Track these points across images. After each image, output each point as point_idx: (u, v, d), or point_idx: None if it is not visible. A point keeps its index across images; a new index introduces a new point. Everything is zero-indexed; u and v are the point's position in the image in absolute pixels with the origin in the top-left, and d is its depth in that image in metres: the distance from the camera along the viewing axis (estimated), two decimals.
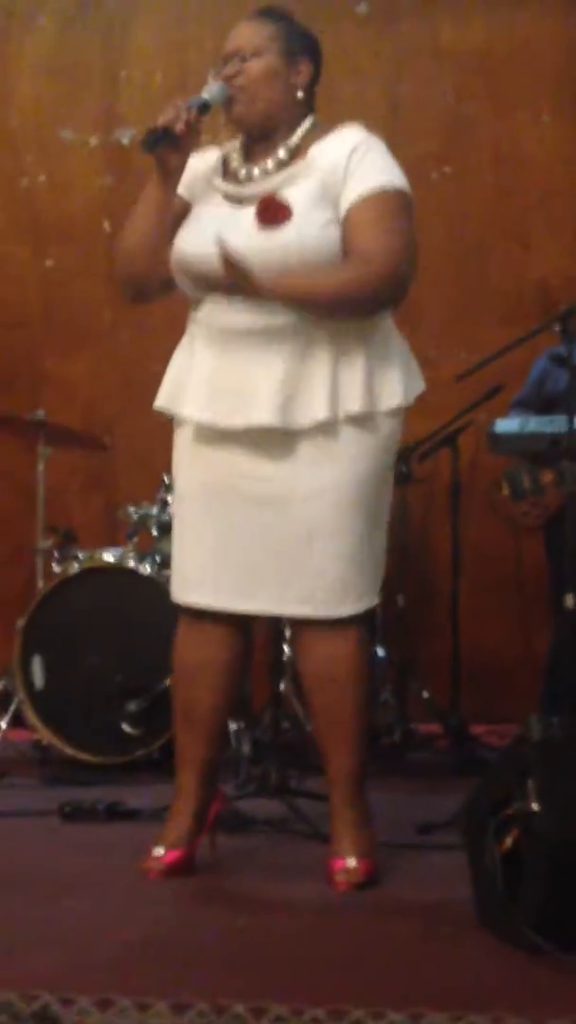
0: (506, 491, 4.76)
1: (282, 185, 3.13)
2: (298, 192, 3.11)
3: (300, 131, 3.21)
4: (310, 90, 3.26)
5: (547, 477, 4.64)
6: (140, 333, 5.78)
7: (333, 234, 3.10)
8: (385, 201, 3.12)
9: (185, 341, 3.28)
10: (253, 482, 3.14)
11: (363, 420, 3.13)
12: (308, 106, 3.26)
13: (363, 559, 3.17)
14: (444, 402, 5.16)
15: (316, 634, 3.17)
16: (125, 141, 5.92)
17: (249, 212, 3.12)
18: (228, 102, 3.18)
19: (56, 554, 4.88)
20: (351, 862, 3.13)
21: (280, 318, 3.09)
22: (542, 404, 4.78)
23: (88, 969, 2.51)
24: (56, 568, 4.85)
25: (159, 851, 3.21)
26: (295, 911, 2.95)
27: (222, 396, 3.14)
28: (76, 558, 4.82)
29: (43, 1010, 2.31)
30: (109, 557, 4.83)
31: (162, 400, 3.26)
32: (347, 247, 3.10)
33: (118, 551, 4.84)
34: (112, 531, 5.26)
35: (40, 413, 5.02)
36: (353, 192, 3.10)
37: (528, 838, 2.63)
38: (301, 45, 3.25)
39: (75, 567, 4.76)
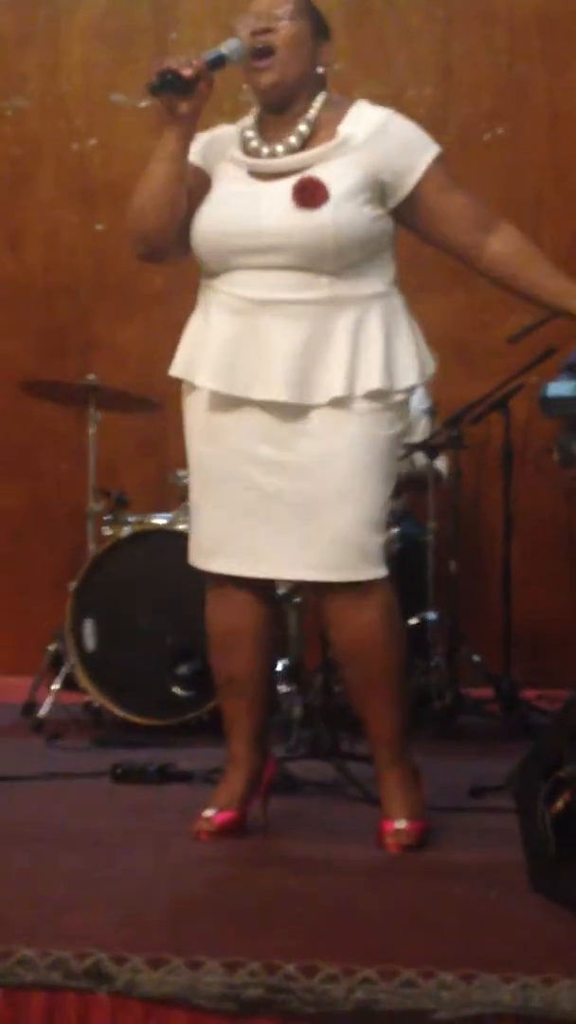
0: (556, 457, 4.74)
1: (315, 164, 3.10)
2: (332, 173, 3.08)
3: (317, 104, 3.17)
4: (328, 66, 3.23)
5: None
6: (192, 297, 5.77)
7: (368, 214, 3.10)
8: (444, 166, 3.17)
9: (199, 308, 3.25)
10: (269, 447, 3.12)
11: (378, 394, 3.12)
12: (322, 84, 3.21)
13: (379, 523, 3.16)
14: (497, 365, 5.15)
15: (343, 602, 3.15)
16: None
17: (280, 188, 3.09)
18: (259, 62, 3.10)
19: (107, 518, 4.90)
20: (401, 824, 3.13)
21: (310, 293, 3.08)
22: None
23: (140, 928, 2.53)
24: (107, 531, 4.87)
25: (209, 813, 3.23)
26: (346, 872, 2.96)
27: (239, 366, 3.12)
28: (127, 522, 4.83)
29: (95, 967, 2.33)
30: (160, 520, 4.84)
31: (178, 368, 3.23)
32: (452, 211, 3.14)
33: (169, 515, 4.85)
34: (163, 495, 5.26)
35: (92, 377, 5.03)
36: (414, 167, 3.12)
37: None
38: (322, 26, 3.21)
39: (126, 530, 4.78)
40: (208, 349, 3.16)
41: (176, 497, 4.90)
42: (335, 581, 3.12)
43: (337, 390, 3.08)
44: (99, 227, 5.97)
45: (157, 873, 2.95)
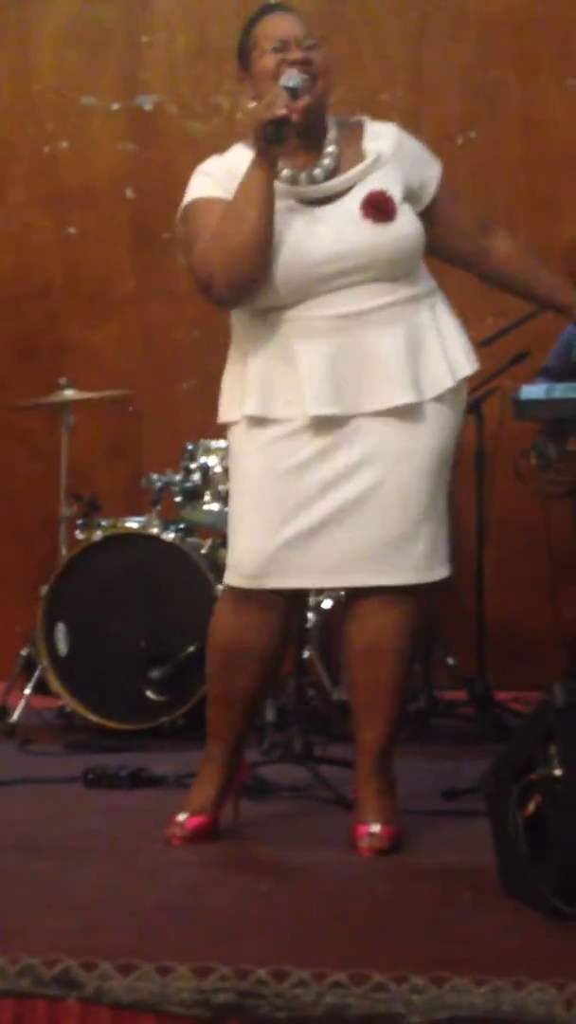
0: (533, 460, 4.75)
1: (360, 182, 3.15)
2: (383, 183, 3.15)
3: (331, 130, 3.22)
4: None
5: (573, 445, 4.62)
6: (164, 301, 5.78)
7: (420, 223, 3.21)
8: (447, 177, 3.33)
9: (249, 348, 3.19)
10: (347, 455, 3.12)
11: (464, 381, 3.26)
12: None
13: (444, 525, 3.23)
14: None
15: (376, 604, 3.16)
16: (148, 107, 5.90)
17: (343, 208, 3.12)
18: (305, 88, 3.09)
19: (79, 522, 4.89)
20: (375, 828, 3.13)
21: (389, 296, 3.15)
22: (570, 371, 4.76)
23: (110, 934, 2.52)
24: (79, 535, 4.85)
25: (182, 817, 3.22)
26: (318, 876, 2.95)
27: (347, 384, 3.11)
28: (99, 525, 4.82)
29: (65, 974, 2.32)
30: (132, 524, 4.82)
31: (254, 408, 3.15)
32: (460, 221, 3.33)
33: (142, 519, 4.84)
34: (135, 499, 5.25)
35: (63, 380, 5.02)
36: (433, 178, 3.27)
37: (551, 803, 2.62)
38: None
39: (98, 534, 4.76)
40: (306, 377, 3.11)
41: (149, 500, 4.89)
42: (414, 583, 3.16)
43: (447, 382, 3.19)
44: (71, 230, 5.95)
45: (128, 878, 2.94)
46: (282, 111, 3.01)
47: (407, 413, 3.13)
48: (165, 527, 4.75)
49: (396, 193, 3.15)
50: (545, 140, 5.81)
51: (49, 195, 5.99)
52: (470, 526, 5.07)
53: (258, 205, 3.06)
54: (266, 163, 3.06)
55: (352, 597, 3.23)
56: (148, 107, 5.89)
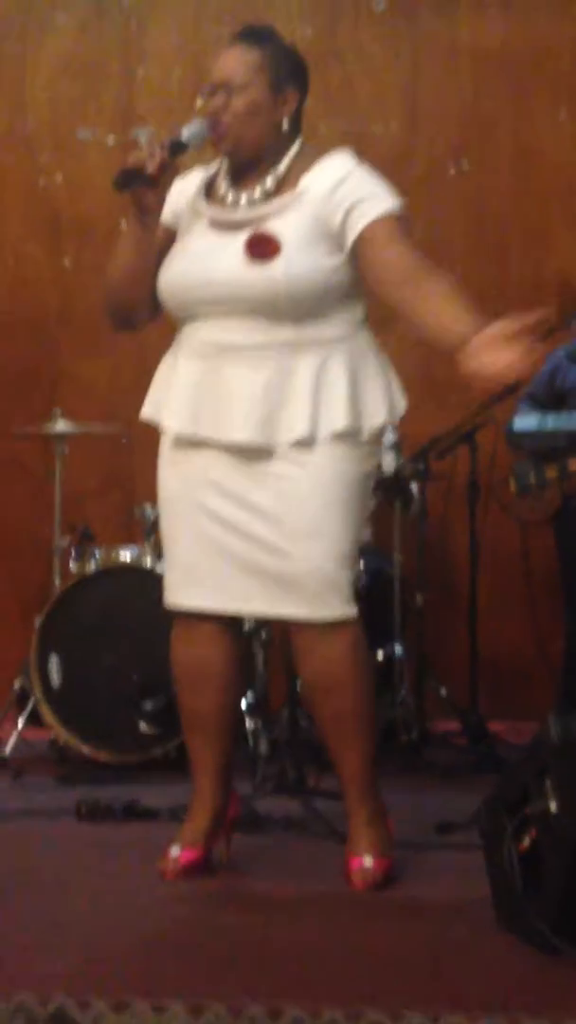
0: (513, 487, 4.76)
1: (271, 216, 3.13)
2: (287, 225, 3.11)
3: (287, 159, 3.19)
4: (296, 116, 3.23)
5: (551, 472, 4.64)
6: (158, 333, 5.76)
7: (327, 265, 3.11)
8: (400, 221, 3.13)
9: (170, 353, 3.30)
10: (239, 486, 3.14)
11: (345, 434, 3.13)
12: (295, 131, 3.23)
13: (349, 559, 3.17)
14: (462, 399, 5.15)
15: (312, 636, 3.15)
16: (143, 139, 5.90)
17: (236, 241, 3.12)
18: (215, 137, 3.16)
19: (73, 552, 4.88)
20: (368, 861, 3.12)
21: (269, 337, 3.11)
22: (552, 399, 4.77)
23: (104, 971, 2.51)
24: (73, 567, 4.84)
25: (175, 851, 3.21)
26: (311, 911, 2.94)
27: (204, 409, 3.15)
28: (93, 557, 4.81)
29: (59, 1012, 2.31)
30: (126, 556, 4.82)
31: (148, 410, 3.29)
32: (385, 263, 3.08)
33: (135, 550, 4.84)
34: (129, 530, 5.25)
35: (58, 411, 5.02)
36: (367, 216, 3.09)
37: (546, 838, 2.61)
38: (288, 72, 3.20)
39: (92, 566, 4.76)
40: (174, 392, 3.20)
41: (142, 531, 4.89)
42: (307, 619, 3.12)
43: (300, 431, 3.10)
44: (66, 262, 5.97)
45: (121, 913, 2.93)
46: (131, 163, 3.09)
47: (301, 451, 3.10)
48: (158, 559, 4.74)
49: (296, 235, 3.09)
50: (536, 171, 5.84)
51: (44, 227, 6.00)
52: (464, 555, 5.07)
53: (127, 252, 3.21)
54: (137, 209, 3.14)
55: (290, 633, 3.23)
56: (143, 139, 5.89)
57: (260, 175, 3.19)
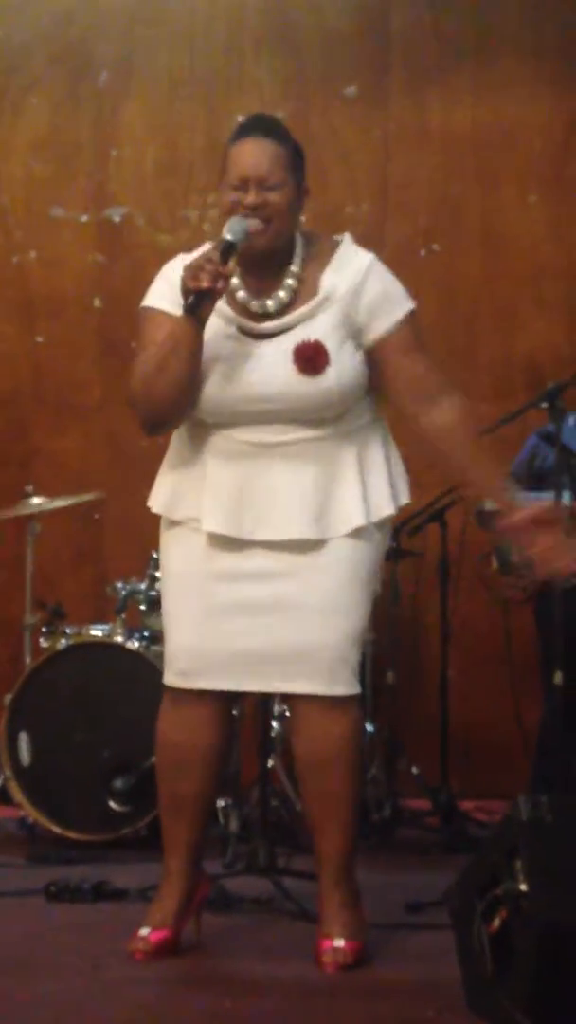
0: (495, 565, 4.78)
1: (302, 322, 3.14)
2: (323, 329, 3.13)
3: (298, 253, 3.20)
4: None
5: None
6: (129, 409, 5.78)
7: (360, 366, 3.17)
8: (414, 325, 3.21)
9: (183, 449, 3.26)
10: (259, 561, 3.16)
11: (386, 519, 3.24)
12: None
13: (361, 640, 3.23)
14: (433, 477, 5.18)
15: (317, 712, 3.16)
16: (116, 219, 5.97)
17: (278, 350, 3.12)
18: (257, 235, 3.12)
19: (44, 629, 4.86)
20: (339, 943, 3.11)
21: (311, 432, 3.15)
22: (531, 481, 4.80)
23: None
24: (44, 643, 4.82)
25: (145, 931, 3.19)
26: (282, 993, 2.93)
27: (248, 508, 3.15)
28: (64, 633, 4.80)
29: None
30: (97, 632, 4.81)
31: (160, 506, 3.27)
32: (401, 368, 3.17)
33: (106, 627, 4.83)
34: (101, 606, 5.24)
35: (30, 488, 5.03)
36: (384, 323, 3.16)
37: (516, 919, 2.61)
38: (303, 167, 3.23)
39: (63, 642, 4.75)
40: (209, 493, 3.17)
41: (113, 608, 4.88)
42: (318, 694, 3.14)
43: (357, 520, 3.15)
44: (38, 339, 6.00)
45: (90, 995, 2.91)
46: (205, 284, 3.03)
47: (316, 543, 3.14)
48: (129, 635, 4.73)
49: (334, 339, 3.12)
50: (506, 254, 5.91)
51: (17, 304, 6.04)
52: (435, 633, 5.08)
53: (181, 357, 3.10)
54: (193, 319, 3.09)
55: (293, 708, 3.25)
56: (116, 219, 5.97)
57: (275, 274, 3.18)
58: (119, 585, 4.85)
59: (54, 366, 5.94)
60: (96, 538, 5.65)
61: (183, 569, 3.23)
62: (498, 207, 5.91)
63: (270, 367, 3.12)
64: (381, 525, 3.22)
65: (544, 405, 4.22)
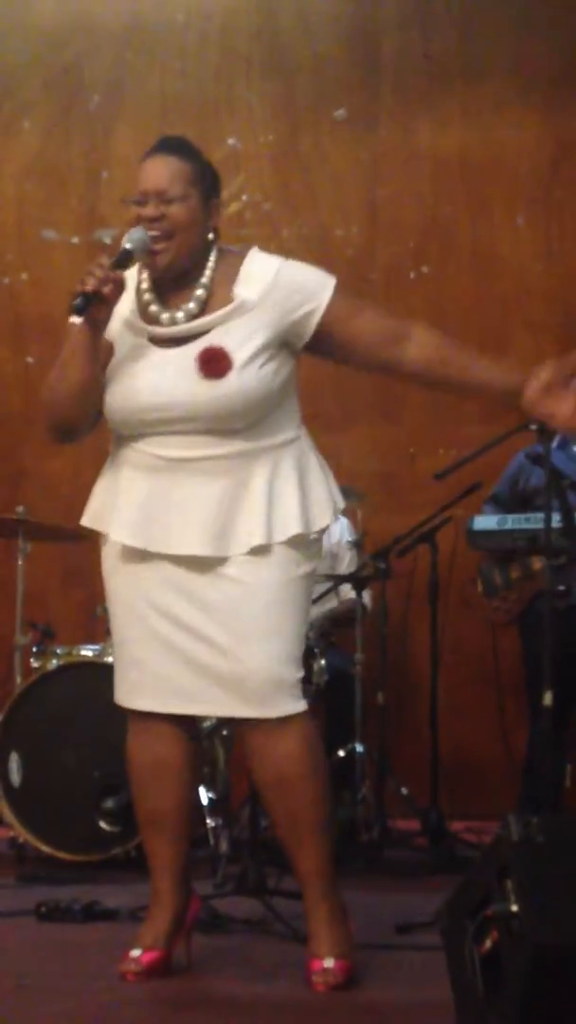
0: (480, 588, 4.80)
1: (212, 328, 3.14)
2: (231, 338, 3.13)
3: (210, 267, 3.20)
4: (217, 227, 3.26)
5: (515, 573, 4.68)
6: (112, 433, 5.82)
7: (271, 371, 3.15)
8: (344, 294, 3.19)
9: (109, 463, 3.29)
10: (185, 589, 3.16)
11: (296, 538, 3.17)
12: (214, 239, 3.25)
13: (296, 658, 3.19)
14: (423, 499, 5.22)
15: (263, 735, 3.15)
16: (107, 240, 6.00)
17: (183, 356, 3.13)
18: (154, 247, 3.13)
19: (34, 649, 4.88)
20: (329, 963, 3.10)
21: (222, 449, 3.14)
22: (516, 501, 4.83)
23: None
24: (34, 663, 4.84)
25: (136, 953, 3.18)
26: (274, 1013, 2.92)
27: (155, 521, 3.16)
28: (55, 653, 4.81)
29: None
30: (88, 652, 4.82)
31: (88, 519, 3.29)
32: (361, 335, 3.17)
33: (97, 647, 4.84)
34: (91, 627, 5.25)
35: (20, 509, 5.04)
36: (315, 309, 3.15)
37: (508, 940, 2.60)
38: (214, 184, 3.25)
39: (53, 663, 4.76)
40: (121, 505, 3.20)
41: (103, 629, 4.89)
42: (256, 717, 3.13)
43: (257, 539, 3.13)
44: (29, 360, 6.03)
45: (81, 1016, 2.90)
46: (90, 286, 3.05)
47: (253, 555, 3.12)
48: None
49: (244, 348, 3.12)
50: (494, 276, 5.95)
51: (8, 325, 6.07)
52: (425, 653, 5.10)
53: (78, 362, 3.14)
54: (86, 324, 3.10)
55: (242, 733, 3.23)
56: (107, 240, 6.00)
57: (186, 288, 3.19)
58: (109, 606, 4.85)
59: None
60: (86, 558, 5.64)
61: (121, 590, 3.24)
62: (487, 229, 5.96)
63: (174, 373, 3.13)
64: (294, 543, 3.17)
65: (533, 427, 4.24)
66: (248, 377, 3.11)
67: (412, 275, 5.96)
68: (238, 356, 3.11)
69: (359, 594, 5.06)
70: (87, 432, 3.27)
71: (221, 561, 3.14)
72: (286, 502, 3.16)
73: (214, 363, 3.10)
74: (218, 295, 3.18)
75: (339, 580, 5.10)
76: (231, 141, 6.01)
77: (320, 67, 6.06)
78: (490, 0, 6.03)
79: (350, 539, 5.29)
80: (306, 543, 3.20)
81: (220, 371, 3.10)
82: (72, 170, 6.09)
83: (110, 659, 4.70)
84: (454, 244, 5.98)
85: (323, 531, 3.26)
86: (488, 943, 2.63)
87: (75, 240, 6.05)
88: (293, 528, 3.15)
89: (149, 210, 3.15)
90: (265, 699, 3.12)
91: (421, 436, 5.77)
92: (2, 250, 6.10)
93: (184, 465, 3.15)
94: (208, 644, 3.13)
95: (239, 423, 3.14)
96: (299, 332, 3.18)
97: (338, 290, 3.20)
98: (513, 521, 4.66)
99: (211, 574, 3.14)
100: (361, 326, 3.19)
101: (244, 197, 5.97)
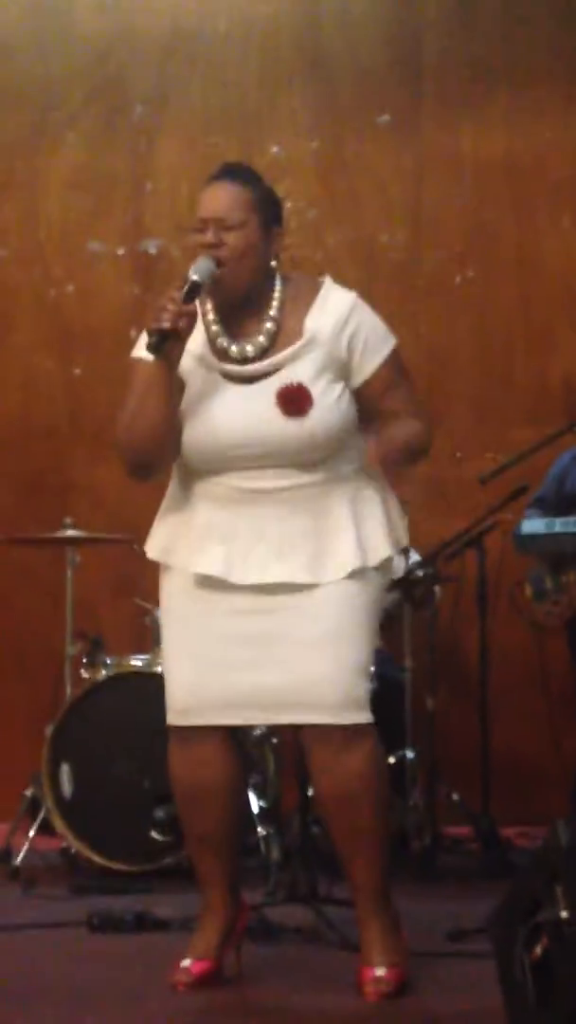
0: (529, 592, 4.77)
1: (286, 364, 3.15)
2: (308, 372, 3.14)
3: (276, 297, 3.20)
4: (279, 254, 3.27)
5: (568, 577, 4.65)
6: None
7: (345, 407, 3.18)
8: (396, 361, 3.24)
9: (176, 494, 3.28)
10: (262, 605, 3.16)
11: (385, 561, 3.23)
12: (276, 268, 3.26)
13: (367, 669, 3.21)
14: (470, 503, 5.19)
15: (330, 752, 3.15)
16: (152, 251, 6.02)
17: (262, 393, 3.13)
18: (215, 275, 3.14)
19: (84, 660, 4.89)
20: (381, 971, 3.10)
21: (301, 478, 3.16)
22: (561, 502, 4.80)
23: None
24: (84, 674, 4.85)
25: (187, 963, 3.19)
26: (324, 1022, 2.91)
27: (240, 553, 3.16)
28: (104, 664, 4.82)
29: None
30: (137, 663, 4.83)
31: (155, 552, 3.28)
32: (381, 407, 3.21)
33: (146, 657, 4.85)
34: (140, 637, 5.25)
35: (69, 521, 5.06)
36: (370, 364, 3.20)
37: (558, 946, 2.59)
38: (275, 212, 3.26)
39: (103, 673, 4.77)
40: (197, 538, 3.19)
41: (152, 638, 4.90)
42: (324, 724, 3.13)
43: (352, 565, 3.15)
44: (76, 371, 6.04)
45: None
46: (167, 324, 3.04)
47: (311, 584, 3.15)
48: None
49: (318, 382, 3.13)
50: (540, 279, 5.92)
51: (55, 337, 6.09)
52: (473, 659, 5.07)
53: (154, 399, 3.14)
54: (162, 361, 3.10)
55: (306, 745, 3.22)
56: (152, 251, 6.01)
57: (254, 319, 3.19)
58: (158, 615, 4.86)
59: (92, 398, 5.97)
60: (135, 569, 5.66)
61: (179, 608, 3.25)
62: (532, 232, 5.93)
63: (254, 411, 3.13)
64: (379, 567, 3.22)
65: None
66: (327, 412, 3.14)
67: (457, 279, 5.94)
68: (316, 391, 3.13)
69: (408, 598, 5.03)
70: (168, 466, 3.27)
71: (305, 586, 3.15)
72: (373, 525, 3.21)
73: (296, 402, 3.12)
74: (287, 326, 3.19)
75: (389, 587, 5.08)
76: (274, 149, 6.00)
77: (362, 73, 6.05)
78: (532, 2, 6.00)
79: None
80: (386, 563, 3.25)
81: (302, 410, 3.11)
82: (116, 181, 6.10)
83: (159, 669, 4.72)
84: (499, 248, 5.96)
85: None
86: (539, 949, 2.62)
87: (120, 251, 6.06)
88: (384, 551, 3.21)
89: (208, 237, 3.15)
90: (334, 705, 3.12)
91: (468, 440, 5.75)
92: (48, 263, 6.12)
93: (265, 496, 3.16)
94: (280, 646, 3.14)
95: (320, 455, 3.16)
96: (350, 375, 3.20)
97: (393, 355, 3.24)
98: (561, 525, 4.63)
99: (291, 594, 3.15)
100: (384, 404, 3.22)
101: (288, 204, 5.93)
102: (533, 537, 4.66)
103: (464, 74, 6.01)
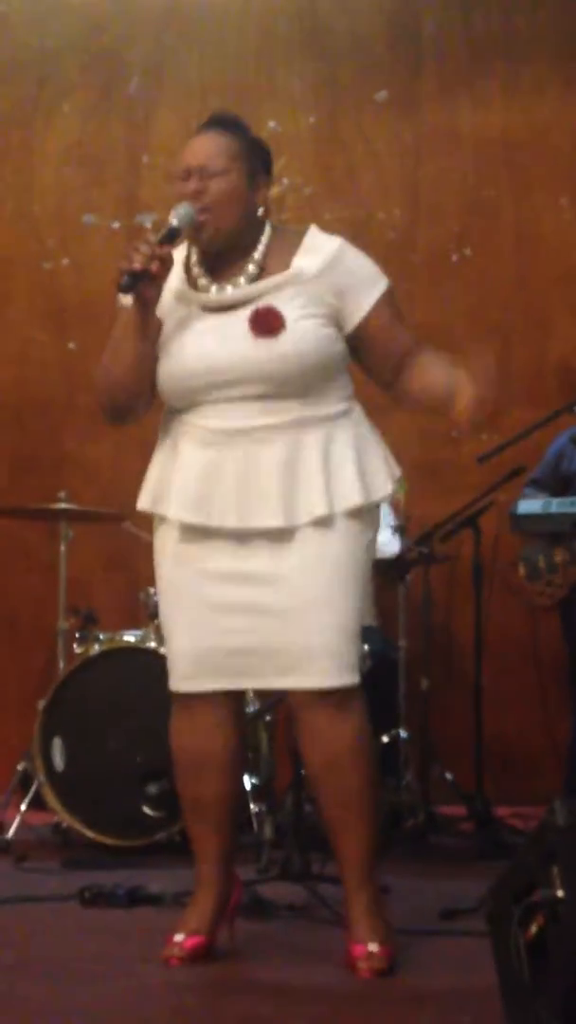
0: (522, 572, 4.77)
1: (266, 294, 3.13)
2: (285, 301, 3.12)
3: (263, 243, 3.19)
4: (266, 203, 3.24)
5: (560, 557, 4.65)
6: (161, 415, 5.81)
7: (326, 336, 3.14)
8: (392, 300, 3.22)
9: (160, 441, 3.28)
10: (244, 563, 3.14)
11: (356, 509, 3.17)
12: (265, 217, 3.24)
13: (356, 633, 3.18)
14: (465, 483, 5.19)
15: (318, 714, 3.14)
16: (147, 224, 5.99)
17: (237, 321, 3.12)
18: (196, 222, 3.13)
19: (77, 635, 4.88)
20: (372, 947, 3.09)
21: (277, 418, 3.13)
22: (557, 483, 4.79)
23: None
24: (77, 649, 4.84)
25: (179, 937, 3.18)
26: (317, 999, 2.91)
27: (214, 497, 3.14)
28: (97, 639, 4.81)
29: None
30: (130, 638, 4.82)
31: (146, 502, 3.26)
32: (386, 346, 3.20)
33: (139, 632, 4.84)
34: (133, 612, 5.25)
35: (62, 495, 5.04)
36: (365, 303, 3.17)
37: (554, 926, 2.58)
38: (261, 161, 3.24)
39: (96, 648, 4.76)
40: (180, 482, 3.18)
41: (146, 614, 4.89)
42: (314, 688, 3.12)
43: (319, 510, 3.11)
44: (70, 345, 6.02)
45: (125, 1000, 2.90)
46: (137, 264, 3.04)
47: (314, 527, 3.12)
48: (162, 641, 4.73)
49: (296, 308, 3.11)
50: (537, 258, 5.90)
51: (49, 311, 6.07)
52: (468, 638, 5.07)
53: (129, 341, 3.15)
54: (139, 305, 3.10)
55: (297, 712, 3.21)
56: (148, 225, 5.98)
57: (238, 262, 3.18)
58: (151, 591, 4.85)
59: (86, 372, 5.90)
60: (128, 545, 5.65)
61: (174, 574, 3.22)
62: (530, 210, 5.91)
63: (226, 335, 3.11)
64: (355, 515, 3.16)
65: None
66: (302, 338, 3.10)
67: (454, 257, 5.92)
68: (290, 315, 3.10)
69: (401, 579, 5.02)
70: (143, 412, 3.27)
71: (282, 534, 3.12)
72: (344, 472, 3.15)
73: (265, 321, 3.09)
74: (272, 267, 3.17)
75: (380, 566, 5.07)
76: (272, 124, 5.97)
77: (361, 49, 6.02)
78: None
79: (392, 524, 5.26)
80: (366, 513, 3.19)
81: (272, 329, 3.08)
82: (112, 154, 6.08)
83: (153, 644, 4.72)
84: (496, 226, 5.94)
85: (383, 500, 3.25)
86: (534, 929, 2.61)
87: (115, 225, 6.03)
88: (354, 498, 3.14)
89: (189, 184, 3.14)
90: (324, 669, 3.11)
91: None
92: (43, 236, 6.09)
93: (237, 437, 3.13)
94: (266, 616, 3.12)
95: (294, 386, 3.12)
96: (344, 319, 3.18)
97: (388, 295, 3.21)
98: (558, 504, 4.63)
99: (272, 547, 3.13)
100: (383, 344, 3.21)
101: (285, 181, 5.93)
102: (529, 517, 4.66)
103: (463, 51, 5.98)
